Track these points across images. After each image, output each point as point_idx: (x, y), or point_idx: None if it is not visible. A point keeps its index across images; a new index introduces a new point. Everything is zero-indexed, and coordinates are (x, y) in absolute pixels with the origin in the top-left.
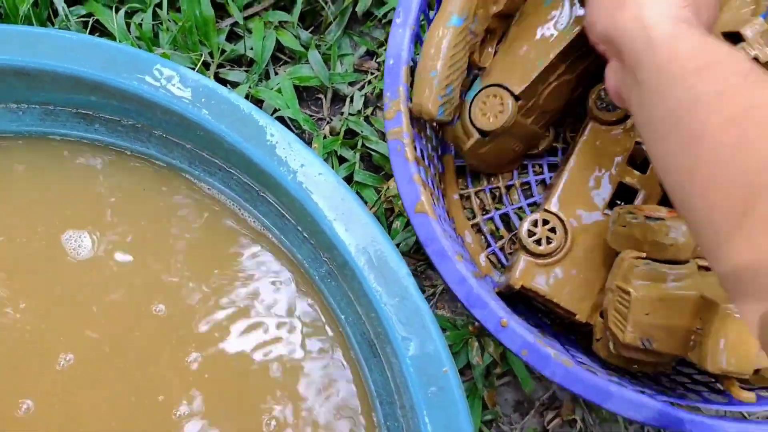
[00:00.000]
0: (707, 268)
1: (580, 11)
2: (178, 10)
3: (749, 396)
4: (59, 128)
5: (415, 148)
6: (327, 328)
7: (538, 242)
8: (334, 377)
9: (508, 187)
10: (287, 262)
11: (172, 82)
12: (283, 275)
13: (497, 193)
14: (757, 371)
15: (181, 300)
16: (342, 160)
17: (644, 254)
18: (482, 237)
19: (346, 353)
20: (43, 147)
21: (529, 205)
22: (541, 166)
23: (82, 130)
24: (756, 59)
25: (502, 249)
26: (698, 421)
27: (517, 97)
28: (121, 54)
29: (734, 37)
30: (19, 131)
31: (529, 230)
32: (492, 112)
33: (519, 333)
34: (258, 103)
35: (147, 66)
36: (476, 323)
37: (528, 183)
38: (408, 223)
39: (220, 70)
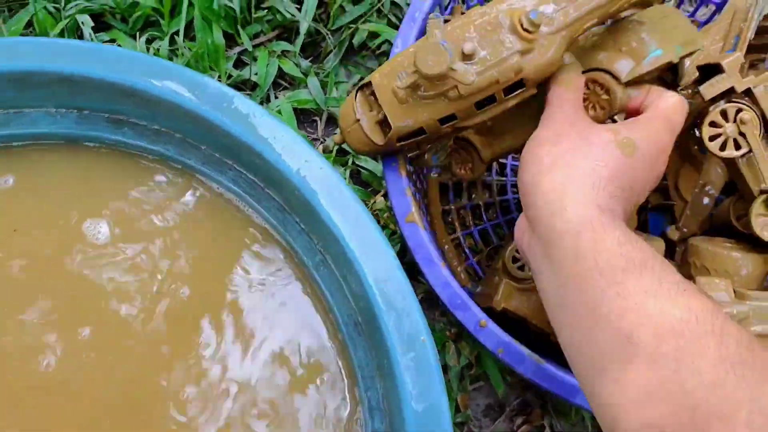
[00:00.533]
0: None
1: None
2: (193, 38)
3: None
4: (91, 131)
5: (406, 166)
6: (318, 310)
7: (521, 268)
8: (324, 356)
9: (488, 204)
10: (285, 252)
11: (199, 89)
12: (281, 263)
13: (477, 211)
14: None
15: (192, 287)
16: None
17: None
18: (461, 251)
19: (334, 334)
20: (74, 148)
21: (507, 221)
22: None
23: (112, 133)
24: (732, 89)
25: (479, 262)
26: None
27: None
28: (157, 65)
29: (709, 70)
30: (56, 133)
31: (513, 257)
32: (465, 165)
33: (496, 333)
34: None
35: (179, 76)
36: (453, 329)
37: (507, 200)
38: (392, 234)
39: None
